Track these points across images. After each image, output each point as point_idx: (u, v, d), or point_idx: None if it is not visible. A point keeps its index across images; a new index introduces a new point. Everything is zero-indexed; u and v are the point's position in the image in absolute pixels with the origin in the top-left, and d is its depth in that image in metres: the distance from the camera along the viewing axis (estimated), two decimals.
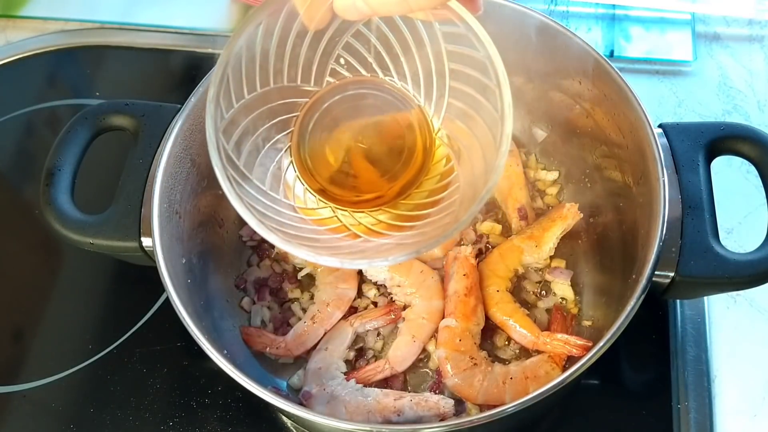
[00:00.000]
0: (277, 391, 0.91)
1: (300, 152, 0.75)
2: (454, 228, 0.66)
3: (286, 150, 0.76)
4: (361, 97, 0.77)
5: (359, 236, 0.73)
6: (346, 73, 0.76)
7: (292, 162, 0.75)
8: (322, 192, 0.75)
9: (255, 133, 0.73)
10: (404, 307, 0.97)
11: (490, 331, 0.95)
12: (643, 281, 0.77)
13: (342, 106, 0.76)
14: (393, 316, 0.96)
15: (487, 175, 0.66)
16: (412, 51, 0.73)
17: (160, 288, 0.81)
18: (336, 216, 0.74)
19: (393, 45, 0.74)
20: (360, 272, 1.00)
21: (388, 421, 0.86)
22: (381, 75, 0.76)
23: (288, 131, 0.76)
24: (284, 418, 0.96)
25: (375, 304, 0.99)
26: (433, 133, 0.75)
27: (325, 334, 0.96)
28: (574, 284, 0.98)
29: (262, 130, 0.74)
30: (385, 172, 0.75)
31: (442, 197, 0.73)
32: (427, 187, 0.75)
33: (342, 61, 0.75)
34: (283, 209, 0.73)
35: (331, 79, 0.76)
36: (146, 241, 0.85)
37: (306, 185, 0.75)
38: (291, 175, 0.75)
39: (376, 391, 0.89)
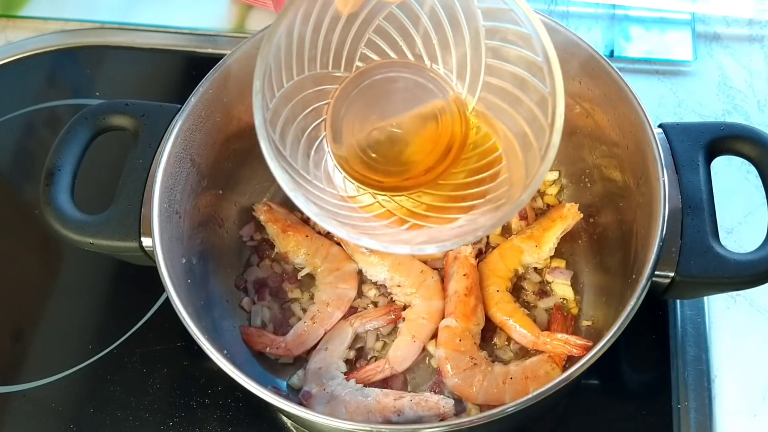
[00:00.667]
0: (277, 391, 0.91)
1: (335, 140, 0.75)
2: (513, 207, 0.66)
3: (322, 138, 0.76)
4: (391, 80, 0.76)
5: (406, 221, 0.72)
6: (376, 57, 0.75)
7: (328, 151, 0.75)
8: (360, 178, 0.74)
9: (294, 123, 0.73)
10: (404, 307, 0.97)
11: (490, 331, 0.95)
12: (643, 281, 0.77)
13: (372, 91, 0.76)
14: (393, 316, 0.96)
15: (543, 152, 0.65)
16: (444, 29, 0.72)
17: (160, 288, 0.81)
18: (377, 201, 0.74)
19: (426, 26, 0.73)
20: (360, 272, 1.00)
21: (388, 421, 0.86)
22: (411, 57, 0.75)
23: (322, 118, 0.75)
24: (284, 418, 0.96)
25: (375, 304, 0.99)
26: (467, 113, 0.75)
27: (325, 334, 0.96)
28: (574, 284, 0.98)
29: (299, 119, 0.74)
30: (421, 155, 0.75)
31: (488, 176, 0.73)
32: (467, 166, 0.74)
33: (371, 45, 0.75)
34: (329, 198, 0.73)
35: (360, 64, 0.76)
36: (146, 241, 0.85)
37: (343, 172, 0.75)
38: (330, 163, 0.75)
39: (376, 391, 0.89)
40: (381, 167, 0.75)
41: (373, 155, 0.76)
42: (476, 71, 0.73)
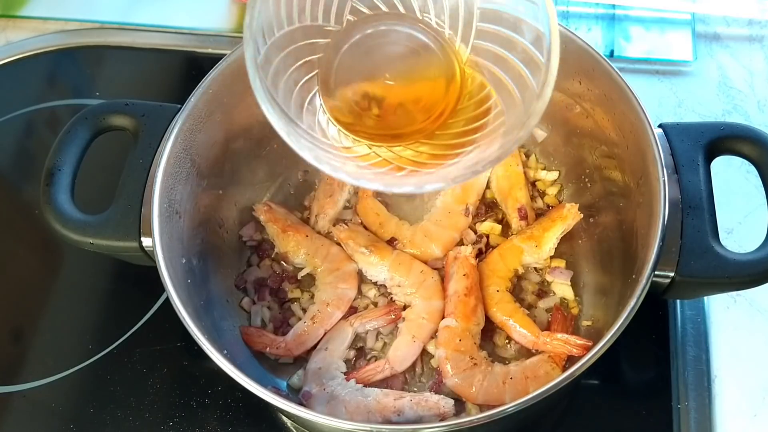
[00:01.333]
0: (277, 391, 0.91)
1: (328, 93, 0.75)
2: (513, 142, 0.67)
3: (316, 92, 0.76)
4: (383, 33, 0.76)
5: (403, 168, 0.73)
6: (366, 10, 0.75)
7: (321, 104, 0.75)
8: (355, 130, 0.75)
9: (286, 74, 0.73)
10: (404, 307, 0.97)
11: (490, 331, 0.95)
12: (643, 281, 0.77)
13: (364, 45, 0.76)
14: (393, 316, 0.96)
15: (539, 90, 0.66)
16: None
17: (160, 288, 0.81)
18: (373, 152, 0.74)
19: None
20: (360, 272, 1.00)
21: (388, 421, 0.86)
22: (402, 9, 0.75)
23: (315, 72, 0.76)
24: (284, 418, 0.96)
25: (375, 304, 0.99)
26: (461, 62, 0.75)
27: (325, 334, 0.96)
28: (574, 284, 0.98)
29: (291, 71, 0.74)
30: (415, 106, 0.75)
31: (484, 124, 0.73)
32: (464, 115, 0.75)
33: None
34: (325, 147, 0.73)
35: (351, 18, 0.75)
36: (146, 241, 0.85)
37: (337, 125, 0.75)
38: (323, 116, 0.76)
39: (376, 391, 0.89)
40: (376, 119, 0.76)
41: (368, 108, 0.76)
42: (468, 20, 0.73)
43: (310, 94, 0.76)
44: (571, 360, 0.90)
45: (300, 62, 0.75)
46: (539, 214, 1.03)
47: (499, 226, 1.03)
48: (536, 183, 1.06)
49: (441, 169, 0.73)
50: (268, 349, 0.94)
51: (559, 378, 0.74)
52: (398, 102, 0.76)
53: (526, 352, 0.94)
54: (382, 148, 0.75)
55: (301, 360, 0.96)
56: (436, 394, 0.90)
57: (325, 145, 0.74)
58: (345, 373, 0.93)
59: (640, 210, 0.87)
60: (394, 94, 0.76)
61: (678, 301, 0.99)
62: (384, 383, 0.93)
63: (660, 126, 0.89)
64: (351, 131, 0.75)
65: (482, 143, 0.73)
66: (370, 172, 0.73)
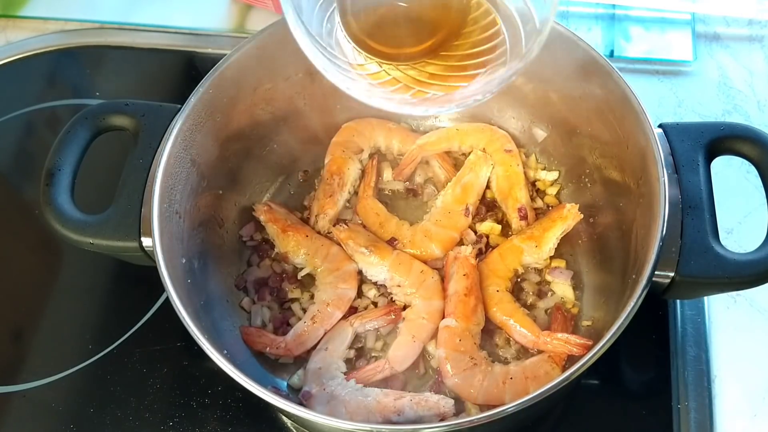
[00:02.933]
0: (277, 391, 0.91)
1: (345, 11, 0.79)
2: (510, 72, 0.72)
3: (333, 9, 0.80)
4: None
5: (411, 88, 0.79)
6: None
7: (338, 21, 0.79)
8: (367, 48, 0.79)
9: None
10: (404, 307, 0.97)
11: (490, 331, 0.95)
12: (643, 281, 0.77)
13: None
14: (393, 316, 0.96)
15: (540, 25, 0.71)
16: None
17: (160, 288, 0.81)
18: (384, 70, 0.79)
19: None
20: (360, 272, 1.00)
21: (388, 421, 0.86)
22: None
23: None
24: (284, 418, 0.96)
25: (375, 304, 0.99)
26: None
27: (325, 334, 0.96)
28: (574, 284, 0.98)
29: None
30: (424, 28, 0.80)
31: (488, 48, 0.78)
32: (469, 39, 0.80)
33: None
34: (341, 63, 0.78)
35: None
36: (146, 241, 0.85)
37: (352, 41, 0.79)
38: (340, 34, 0.80)
39: (376, 391, 0.89)
40: (386, 39, 0.80)
41: (380, 27, 0.80)
42: None
43: (329, 12, 0.80)
44: (571, 360, 0.90)
45: None
46: (539, 214, 1.03)
47: (499, 226, 1.03)
48: (536, 183, 1.06)
49: (446, 96, 0.78)
50: (268, 349, 0.94)
51: (559, 378, 0.74)
52: (408, 22, 0.81)
53: (526, 352, 0.94)
54: (391, 67, 0.80)
55: (301, 360, 0.96)
56: (436, 394, 0.90)
57: (340, 61, 0.78)
58: (345, 373, 0.93)
59: (640, 210, 0.87)
60: (405, 14, 0.80)
61: (678, 301, 0.99)
62: (384, 383, 0.93)
63: (660, 126, 0.89)
64: (363, 48, 0.80)
65: (484, 70, 0.78)
66: (381, 91, 0.78)
